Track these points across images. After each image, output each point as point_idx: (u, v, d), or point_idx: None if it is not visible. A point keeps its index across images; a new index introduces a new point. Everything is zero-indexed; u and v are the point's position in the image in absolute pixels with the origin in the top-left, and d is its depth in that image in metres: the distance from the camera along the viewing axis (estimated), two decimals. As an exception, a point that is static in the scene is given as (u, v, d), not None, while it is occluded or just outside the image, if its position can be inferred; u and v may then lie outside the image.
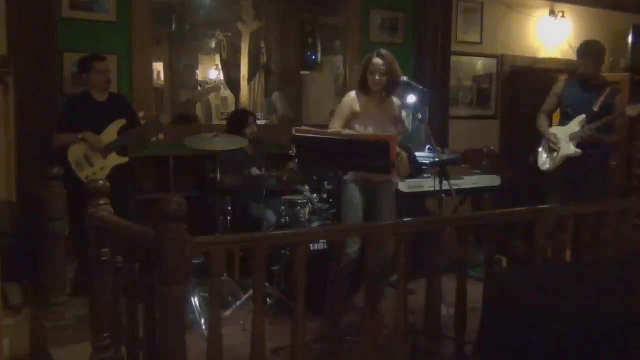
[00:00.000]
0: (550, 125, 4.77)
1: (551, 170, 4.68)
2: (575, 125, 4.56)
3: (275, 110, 6.44)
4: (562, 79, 4.89)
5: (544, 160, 4.73)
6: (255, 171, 4.64)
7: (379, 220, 3.86)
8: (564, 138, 4.59)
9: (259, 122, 5.56)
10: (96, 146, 4.26)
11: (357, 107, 3.82)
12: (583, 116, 4.53)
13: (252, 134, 4.86)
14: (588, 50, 4.62)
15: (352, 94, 3.91)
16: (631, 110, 4.45)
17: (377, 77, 3.78)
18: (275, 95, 6.48)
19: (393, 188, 4.01)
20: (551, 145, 4.66)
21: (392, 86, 3.86)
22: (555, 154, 4.64)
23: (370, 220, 3.87)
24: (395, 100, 3.97)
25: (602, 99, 4.53)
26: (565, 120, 4.68)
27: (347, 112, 3.84)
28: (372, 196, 3.89)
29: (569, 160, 4.57)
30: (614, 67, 7.46)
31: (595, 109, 4.52)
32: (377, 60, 3.80)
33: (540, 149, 4.78)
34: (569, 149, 4.56)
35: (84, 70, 4.36)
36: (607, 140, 4.59)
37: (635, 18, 7.45)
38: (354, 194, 3.82)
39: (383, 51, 3.87)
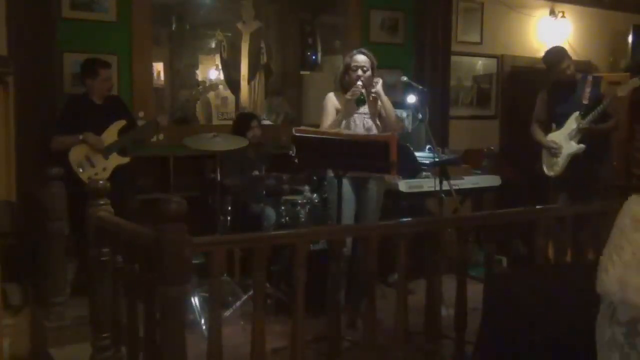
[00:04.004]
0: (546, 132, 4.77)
1: (558, 174, 4.68)
2: (571, 124, 4.57)
3: (279, 112, 6.46)
4: (543, 90, 4.88)
5: (549, 166, 4.73)
6: (257, 173, 4.63)
7: (363, 217, 3.90)
8: (563, 139, 4.60)
9: (268, 122, 5.58)
10: (97, 147, 4.26)
11: (339, 106, 3.88)
12: (577, 113, 4.54)
13: (254, 137, 4.84)
14: (550, 58, 4.67)
15: (332, 94, 3.94)
16: (621, 91, 4.46)
17: (360, 73, 3.83)
18: (277, 100, 6.49)
19: (382, 186, 4.01)
20: (552, 150, 4.66)
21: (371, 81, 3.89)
22: (558, 158, 4.64)
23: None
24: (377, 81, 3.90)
25: (588, 89, 4.55)
26: (560, 123, 4.66)
27: (332, 110, 3.91)
28: (360, 192, 3.91)
29: (574, 158, 4.56)
30: (613, 67, 7.46)
31: (585, 101, 4.54)
32: (361, 57, 3.85)
33: (543, 157, 4.77)
34: (572, 146, 4.55)
35: (88, 75, 4.34)
36: (606, 127, 4.58)
37: (635, 18, 7.45)
38: (347, 189, 3.82)
39: (363, 49, 3.95)
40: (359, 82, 3.80)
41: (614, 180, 4.81)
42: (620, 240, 1.89)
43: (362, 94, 3.79)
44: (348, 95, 3.81)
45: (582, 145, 4.52)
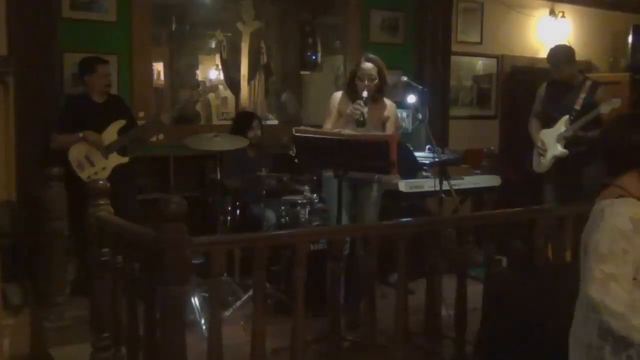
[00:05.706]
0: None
1: (544, 171, 4.73)
2: (560, 126, 4.59)
3: (287, 109, 6.46)
4: (542, 85, 4.88)
5: (537, 162, 4.79)
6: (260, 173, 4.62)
7: (360, 221, 3.88)
8: (552, 140, 4.62)
9: (269, 122, 5.55)
10: (97, 146, 4.26)
11: (343, 109, 3.83)
12: (566, 117, 4.55)
13: (255, 137, 4.83)
14: (557, 56, 4.63)
15: (338, 95, 3.91)
16: (604, 108, 4.37)
17: (367, 82, 3.78)
18: (285, 96, 6.49)
19: (380, 190, 3.98)
20: (538, 150, 4.72)
21: (382, 89, 3.86)
22: (544, 157, 4.69)
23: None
24: (389, 103, 3.96)
25: (582, 95, 4.52)
26: (551, 122, 4.69)
27: (335, 112, 3.88)
28: (357, 195, 3.90)
29: (558, 160, 4.60)
30: (613, 67, 7.46)
31: (577, 107, 4.52)
32: (367, 65, 3.81)
33: (534, 152, 4.82)
34: (556, 149, 4.59)
35: (85, 71, 4.34)
36: (592, 135, 4.45)
37: (635, 18, 7.44)
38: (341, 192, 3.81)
39: (371, 55, 3.88)
40: (364, 93, 3.73)
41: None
42: (625, 244, 1.87)
43: (363, 115, 3.67)
44: (349, 111, 3.75)
45: (565, 151, 4.54)
